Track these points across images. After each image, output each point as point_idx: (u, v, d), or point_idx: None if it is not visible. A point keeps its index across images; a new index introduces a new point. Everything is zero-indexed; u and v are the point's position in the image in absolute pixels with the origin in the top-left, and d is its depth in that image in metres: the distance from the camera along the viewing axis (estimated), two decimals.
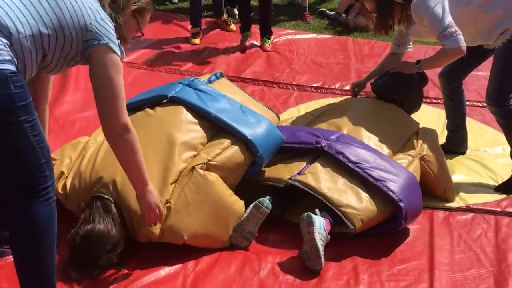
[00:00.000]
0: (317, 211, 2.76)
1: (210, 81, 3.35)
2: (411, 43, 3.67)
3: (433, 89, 4.74)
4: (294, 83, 4.91)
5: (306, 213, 2.68)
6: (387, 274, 2.71)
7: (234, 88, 3.45)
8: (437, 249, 2.90)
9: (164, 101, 3.12)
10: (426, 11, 3.20)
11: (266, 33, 5.59)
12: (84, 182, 2.76)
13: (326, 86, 4.88)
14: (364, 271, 2.72)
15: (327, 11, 7.02)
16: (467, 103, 4.27)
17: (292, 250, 2.82)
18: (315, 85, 4.89)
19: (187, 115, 3.01)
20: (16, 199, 2.02)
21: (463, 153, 3.84)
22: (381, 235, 2.95)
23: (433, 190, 3.28)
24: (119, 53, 2.15)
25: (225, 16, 6.11)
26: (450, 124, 3.84)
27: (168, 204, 2.69)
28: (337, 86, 4.90)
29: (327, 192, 2.83)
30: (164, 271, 2.62)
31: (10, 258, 2.42)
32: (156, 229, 2.63)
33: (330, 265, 2.73)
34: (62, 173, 2.84)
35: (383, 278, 2.68)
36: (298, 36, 6.09)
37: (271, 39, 5.69)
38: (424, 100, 3.96)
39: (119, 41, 2.18)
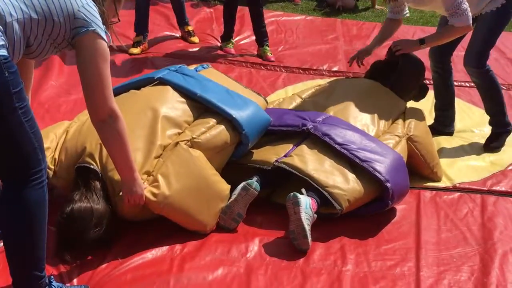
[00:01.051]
0: (303, 190, 2.76)
1: (197, 70, 3.36)
2: (407, 9, 3.69)
3: None
4: (281, 65, 4.89)
5: (292, 193, 2.68)
6: (374, 253, 2.73)
7: (222, 76, 3.46)
8: (423, 228, 2.91)
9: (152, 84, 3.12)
10: None
11: (263, 41, 5.05)
12: (71, 155, 2.74)
13: (314, 68, 4.86)
14: (351, 251, 2.73)
15: None
16: (455, 83, 4.30)
17: (279, 231, 2.82)
18: (303, 66, 4.87)
19: (173, 94, 3.00)
20: (9, 182, 2.04)
21: (451, 133, 3.85)
22: (368, 215, 2.96)
23: (420, 170, 3.29)
24: (105, 38, 2.14)
25: (189, 27, 5.40)
26: (439, 103, 3.85)
27: (149, 176, 2.68)
28: (325, 67, 4.89)
29: (314, 173, 2.83)
30: (151, 253, 2.62)
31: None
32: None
33: (317, 245, 2.74)
34: (48, 148, 2.79)
35: (370, 258, 2.69)
36: (286, 18, 6.05)
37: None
38: None
39: (104, 26, 2.17)
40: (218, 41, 5.30)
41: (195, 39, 5.33)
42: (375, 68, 3.78)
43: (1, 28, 1.90)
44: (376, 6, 6.64)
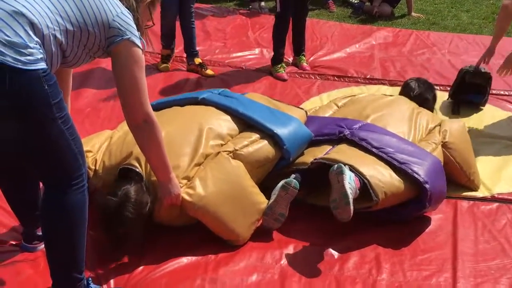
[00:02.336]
0: (347, 166, 2.71)
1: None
2: None
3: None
4: (316, 72, 4.88)
5: (336, 164, 2.65)
6: (410, 263, 2.70)
7: (263, 97, 3.53)
8: (460, 239, 2.87)
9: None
10: None
11: (301, 51, 5.00)
12: (115, 157, 2.81)
13: (349, 75, 4.84)
14: (386, 260, 2.71)
15: (351, 0, 6.95)
16: (493, 91, 4.25)
17: (314, 238, 2.81)
18: (338, 74, 4.86)
19: (216, 113, 3.06)
20: (51, 187, 2.09)
21: None
22: (404, 223, 2.93)
23: (457, 178, 3.24)
24: (140, 45, 2.16)
25: (199, 59, 4.83)
26: None
27: (189, 181, 2.71)
28: (360, 75, 4.86)
29: (354, 163, 2.80)
30: (186, 259, 2.64)
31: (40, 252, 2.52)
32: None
33: (352, 253, 2.72)
34: (89, 151, 2.88)
35: (405, 268, 2.67)
36: (321, 25, 6.05)
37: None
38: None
39: (139, 33, 2.20)
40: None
41: (210, 71, 4.76)
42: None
43: (39, 40, 1.91)
44: (413, 13, 6.58)
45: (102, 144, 2.97)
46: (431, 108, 3.70)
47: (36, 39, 1.90)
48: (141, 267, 2.58)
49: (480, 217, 3.06)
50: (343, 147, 3.00)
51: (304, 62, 4.97)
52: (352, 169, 2.75)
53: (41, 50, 1.91)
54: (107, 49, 2.14)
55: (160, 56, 4.90)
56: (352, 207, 2.55)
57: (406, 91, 3.74)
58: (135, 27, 2.17)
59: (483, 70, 4.20)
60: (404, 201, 2.86)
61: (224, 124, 3.01)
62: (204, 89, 4.34)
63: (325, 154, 2.97)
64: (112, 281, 2.50)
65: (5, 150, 2.08)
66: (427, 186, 2.78)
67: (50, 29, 1.94)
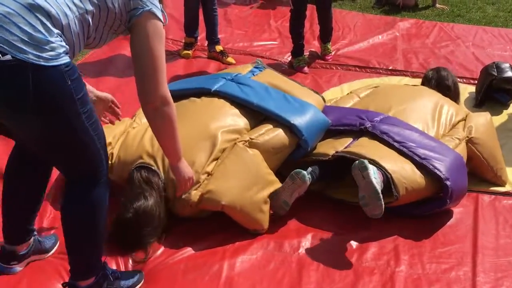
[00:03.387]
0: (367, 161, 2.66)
1: (253, 74, 3.38)
2: None
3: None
4: (338, 62, 4.84)
5: (358, 161, 2.60)
6: (429, 255, 2.68)
7: (278, 76, 3.45)
8: (481, 232, 2.83)
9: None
10: None
11: (327, 40, 4.91)
12: (130, 154, 2.82)
13: (371, 66, 4.79)
14: (405, 252, 2.69)
15: None
16: None
17: (332, 228, 2.81)
18: (360, 64, 4.81)
19: (231, 107, 3.05)
20: (74, 182, 2.08)
21: None
22: (424, 216, 2.90)
23: (483, 173, 3.19)
24: (161, 18, 2.05)
25: (220, 46, 4.81)
26: None
27: (209, 176, 2.73)
28: (382, 66, 4.81)
29: (376, 158, 2.76)
30: (204, 245, 2.66)
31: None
32: (194, 195, 2.66)
33: (370, 244, 2.71)
34: (110, 143, 2.89)
35: (424, 260, 2.65)
36: (344, 15, 5.99)
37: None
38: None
39: (161, 5, 2.10)
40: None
41: (231, 59, 4.73)
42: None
43: (59, 31, 1.85)
44: (437, 5, 6.47)
45: (120, 136, 2.97)
46: (455, 96, 3.62)
47: (56, 31, 1.84)
48: (159, 252, 2.61)
49: (501, 211, 3.02)
50: (364, 141, 2.97)
51: (328, 52, 4.92)
52: (375, 163, 2.72)
53: (62, 43, 1.86)
54: (129, 24, 2.04)
55: (182, 43, 4.91)
56: (383, 202, 2.49)
57: (426, 82, 3.69)
58: None
59: (511, 76, 4.07)
60: (425, 197, 2.83)
61: (239, 119, 3.01)
62: None
63: (346, 147, 2.94)
64: (130, 265, 2.52)
65: (31, 146, 2.07)
66: (448, 183, 2.75)
67: (69, 17, 1.87)
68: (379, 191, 2.50)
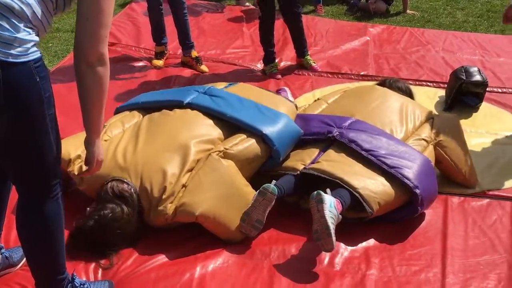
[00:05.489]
0: (328, 190, 2.70)
1: (226, 88, 3.42)
2: None
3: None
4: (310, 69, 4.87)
5: (315, 192, 2.61)
6: (399, 258, 2.70)
7: (251, 88, 3.50)
8: (450, 234, 2.87)
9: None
10: None
11: (305, 52, 4.86)
12: (103, 167, 2.78)
13: (343, 72, 4.84)
14: (375, 255, 2.71)
15: None
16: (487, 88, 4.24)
17: (304, 235, 2.81)
18: (332, 70, 4.85)
19: (204, 118, 3.06)
20: (26, 192, 2.01)
21: None
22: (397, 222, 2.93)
23: (452, 176, 3.23)
24: None
25: (195, 52, 4.80)
26: None
27: (184, 188, 2.72)
28: (353, 71, 4.86)
29: (344, 176, 2.80)
30: (176, 253, 2.65)
31: None
32: (170, 209, 2.65)
33: (341, 248, 2.72)
34: (79, 156, 2.86)
35: (394, 263, 2.67)
36: (316, 22, 6.03)
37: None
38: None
39: None
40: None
41: (204, 67, 4.73)
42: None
43: (26, 23, 1.79)
44: (408, 11, 6.57)
45: None
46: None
47: (23, 24, 1.78)
48: (130, 261, 2.59)
49: (470, 213, 3.06)
50: (332, 153, 2.98)
51: (312, 62, 4.87)
52: (342, 183, 2.75)
53: (31, 36, 1.80)
54: None
55: (154, 53, 4.90)
56: (334, 239, 2.51)
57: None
58: None
59: (480, 79, 4.14)
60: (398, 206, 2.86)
61: (213, 129, 3.01)
62: (198, 84, 4.38)
63: (314, 161, 2.96)
64: (100, 274, 2.50)
65: None
66: (417, 191, 2.78)
67: (32, 4, 1.80)
68: (331, 227, 2.50)
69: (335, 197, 2.65)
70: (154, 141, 2.91)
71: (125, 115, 3.20)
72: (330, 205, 2.57)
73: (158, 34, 4.82)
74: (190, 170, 2.80)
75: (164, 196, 2.67)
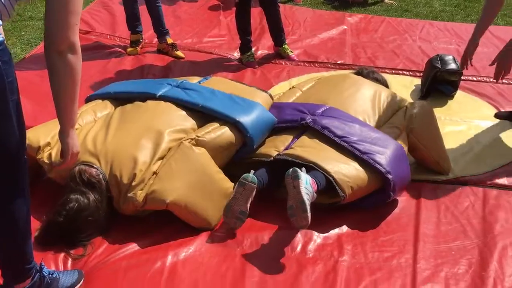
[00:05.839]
0: (303, 169, 2.67)
1: (200, 82, 3.40)
2: None
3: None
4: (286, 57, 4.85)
5: (291, 169, 2.59)
6: (372, 245, 2.70)
7: (225, 81, 3.49)
8: (423, 221, 2.88)
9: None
10: None
11: (282, 41, 4.82)
12: None
13: (319, 60, 4.83)
14: (348, 242, 2.71)
15: None
16: (463, 77, 4.26)
17: (277, 223, 2.79)
18: (309, 59, 4.84)
19: (177, 110, 3.04)
20: None
21: None
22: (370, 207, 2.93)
23: (425, 162, 3.25)
24: None
25: (170, 39, 4.80)
26: None
27: (154, 175, 2.70)
28: (330, 60, 4.85)
29: (317, 160, 2.79)
30: (147, 241, 2.63)
31: None
32: (140, 196, 2.62)
33: (314, 235, 2.72)
34: (48, 143, 2.83)
35: (367, 249, 2.67)
36: (294, 11, 6.02)
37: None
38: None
39: None
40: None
41: (180, 53, 4.73)
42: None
43: None
44: (386, 1, 6.57)
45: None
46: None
47: None
48: (100, 250, 2.56)
49: (443, 199, 3.07)
50: (305, 140, 2.97)
51: (289, 51, 4.84)
52: (316, 167, 2.73)
53: None
54: None
55: (129, 41, 4.85)
56: (309, 214, 2.48)
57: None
58: None
59: (455, 68, 4.14)
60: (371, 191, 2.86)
61: (186, 119, 2.99)
62: (173, 74, 4.35)
63: (288, 147, 2.95)
64: (69, 263, 2.47)
65: None
66: (389, 176, 2.78)
67: None
68: (307, 202, 2.48)
69: (311, 177, 2.64)
70: (125, 131, 2.88)
71: (97, 104, 3.16)
72: (306, 182, 2.54)
73: (133, 22, 4.78)
74: (162, 158, 2.77)
75: (134, 183, 2.64)
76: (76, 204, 2.56)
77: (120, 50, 4.83)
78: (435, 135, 3.28)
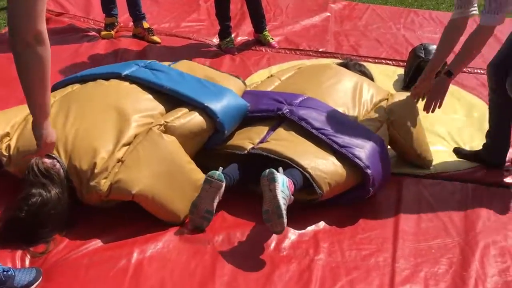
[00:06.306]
0: (280, 169, 2.55)
1: (170, 65, 3.24)
2: (475, 4, 2.89)
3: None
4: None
5: (268, 170, 2.46)
6: (349, 243, 2.58)
7: (196, 65, 3.34)
8: (403, 217, 2.77)
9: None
10: None
11: (263, 27, 4.65)
12: (31, 143, 2.58)
13: (301, 48, 4.68)
14: (324, 239, 2.59)
15: None
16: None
17: (250, 220, 2.66)
18: (290, 47, 4.69)
19: (142, 92, 2.88)
20: None
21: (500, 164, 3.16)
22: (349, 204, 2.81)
23: (406, 155, 3.13)
24: None
25: (146, 23, 4.62)
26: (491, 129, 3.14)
27: (119, 162, 2.54)
28: (312, 48, 4.70)
29: (293, 156, 2.66)
30: (111, 237, 2.48)
31: None
32: (104, 185, 2.47)
33: (289, 232, 2.59)
34: (8, 134, 2.68)
35: (344, 247, 2.55)
36: None
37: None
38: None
39: None
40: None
41: (157, 38, 4.55)
42: None
43: None
44: None
45: (19, 126, 2.72)
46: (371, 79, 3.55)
47: None
48: (61, 246, 2.41)
49: (424, 195, 2.96)
50: (281, 131, 2.83)
51: (270, 39, 4.68)
52: (292, 163, 2.60)
53: None
54: None
55: (103, 24, 4.65)
56: (285, 220, 2.35)
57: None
58: None
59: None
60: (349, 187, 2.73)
61: (153, 103, 2.83)
62: (149, 59, 4.16)
63: (263, 140, 2.80)
64: (27, 261, 2.32)
65: None
66: (368, 171, 2.65)
67: None
68: (283, 207, 2.35)
69: (287, 177, 2.50)
70: (86, 114, 2.71)
71: (60, 90, 2.99)
72: (283, 184, 2.41)
73: (108, 4, 4.59)
74: (127, 144, 2.62)
75: (96, 171, 2.49)
76: (40, 198, 2.40)
77: (94, 33, 4.64)
78: (416, 127, 3.15)
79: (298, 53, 4.62)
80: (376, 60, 4.54)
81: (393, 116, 3.03)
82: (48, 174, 2.45)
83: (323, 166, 2.64)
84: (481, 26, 2.75)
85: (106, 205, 2.59)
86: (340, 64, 3.56)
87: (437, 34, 5.12)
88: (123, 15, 4.79)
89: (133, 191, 2.47)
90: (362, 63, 3.73)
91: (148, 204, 2.53)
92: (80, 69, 3.44)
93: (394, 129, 3.01)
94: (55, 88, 3.05)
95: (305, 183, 2.60)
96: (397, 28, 5.25)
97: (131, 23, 4.70)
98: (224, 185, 2.52)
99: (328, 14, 5.46)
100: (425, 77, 3.14)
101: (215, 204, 2.53)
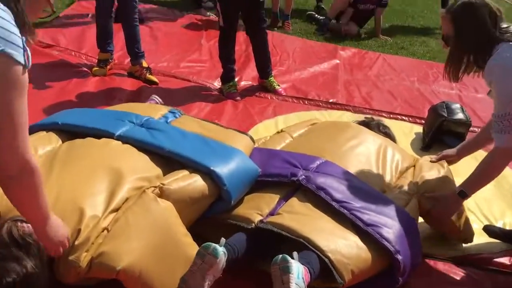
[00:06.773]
0: (295, 254, 2.13)
1: (167, 121, 2.87)
2: None
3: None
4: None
5: (281, 255, 2.06)
6: None
7: (198, 121, 2.97)
8: None
9: None
10: (499, 78, 2.37)
11: (269, 72, 4.34)
12: (3, 205, 2.15)
13: (310, 97, 4.32)
14: None
15: (316, 15, 6.48)
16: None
17: None
18: (297, 95, 4.33)
19: (138, 152, 2.50)
20: None
21: None
22: None
23: (441, 228, 2.72)
24: (21, 59, 1.53)
25: (145, 62, 4.28)
26: None
27: (105, 231, 2.11)
28: (322, 98, 4.34)
29: (309, 235, 2.24)
30: None
31: None
32: (84, 259, 2.05)
33: None
34: None
35: None
36: (283, 40, 5.53)
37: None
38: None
39: (23, 37, 1.56)
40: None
41: (154, 78, 4.20)
42: None
43: None
44: (380, 36, 6.16)
45: None
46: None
47: None
48: None
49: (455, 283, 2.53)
50: (295, 202, 2.43)
51: (276, 85, 4.32)
52: (308, 243, 2.19)
53: None
54: None
55: (96, 60, 4.27)
56: None
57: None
58: (16, 30, 1.53)
59: (463, 118, 3.72)
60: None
61: (148, 165, 2.44)
62: (142, 101, 3.77)
63: (274, 212, 2.40)
64: None
65: None
66: (399, 257, 2.25)
67: None
68: None
69: (303, 265, 2.08)
70: (72, 172, 2.30)
71: (39, 137, 2.57)
72: (298, 276, 2.00)
73: (104, 39, 4.21)
74: (116, 210, 2.20)
75: (77, 242, 2.05)
76: (15, 277, 1.95)
77: (85, 69, 4.26)
78: None
79: (306, 102, 4.26)
80: (391, 115, 4.18)
81: (426, 187, 2.64)
82: (22, 244, 2.01)
83: (345, 249, 2.22)
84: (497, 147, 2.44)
85: (84, 283, 2.15)
86: (361, 123, 3.16)
87: (453, 90, 4.80)
88: (118, 52, 4.43)
89: (118, 267, 2.04)
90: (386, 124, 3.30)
91: (134, 282, 2.09)
92: (67, 108, 3.05)
93: (427, 203, 2.60)
94: (31, 131, 2.63)
95: (322, 269, 2.17)
96: (411, 81, 4.92)
97: (127, 61, 4.33)
98: (219, 262, 2.08)
99: (337, 61, 5.15)
100: (457, 156, 2.97)
101: (206, 283, 2.09)
